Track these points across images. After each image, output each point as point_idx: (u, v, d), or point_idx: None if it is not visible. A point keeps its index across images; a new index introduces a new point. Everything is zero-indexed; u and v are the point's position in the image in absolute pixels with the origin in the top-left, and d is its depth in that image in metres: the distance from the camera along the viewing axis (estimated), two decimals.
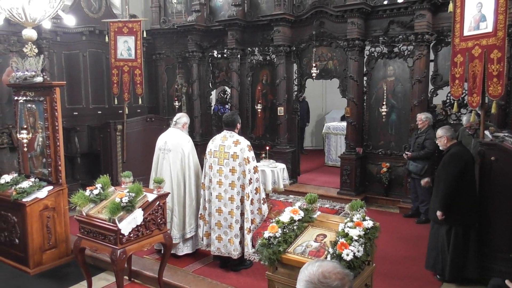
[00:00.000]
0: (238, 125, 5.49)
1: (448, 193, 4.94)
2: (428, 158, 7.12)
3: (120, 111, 9.17)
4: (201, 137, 10.60)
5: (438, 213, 5.01)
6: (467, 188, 4.99)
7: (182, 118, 5.98)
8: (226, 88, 11.14)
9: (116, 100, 8.85)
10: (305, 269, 1.93)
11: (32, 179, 5.90)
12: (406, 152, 7.41)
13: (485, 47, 5.04)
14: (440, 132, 5.29)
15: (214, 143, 5.39)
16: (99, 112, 9.69)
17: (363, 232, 3.53)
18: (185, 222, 5.73)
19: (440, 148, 5.40)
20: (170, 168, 5.71)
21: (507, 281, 3.29)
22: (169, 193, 5.19)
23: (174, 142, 5.76)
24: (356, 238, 3.45)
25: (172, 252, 5.62)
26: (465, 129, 6.68)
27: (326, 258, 3.41)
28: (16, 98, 6.14)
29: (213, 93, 11.68)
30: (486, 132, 5.55)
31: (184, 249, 5.84)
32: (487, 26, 5.07)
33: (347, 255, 3.30)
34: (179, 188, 5.71)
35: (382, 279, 5.15)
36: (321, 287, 1.84)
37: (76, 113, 9.30)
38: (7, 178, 6.05)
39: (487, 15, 5.07)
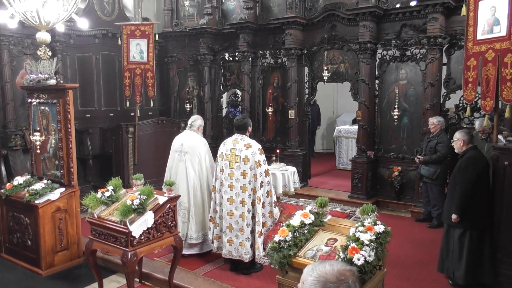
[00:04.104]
0: (249, 129, 5.50)
1: (465, 197, 4.90)
2: (440, 162, 7.07)
3: (132, 114, 9.22)
4: (212, 139, 10.61)
5: (454, 216, 4.96)
6: (483, 192, 4.96)
7: (197, 120, 6.10)
8: (237, 91, 11.16)
9: (128, 103, 8.90)
10: (314, 270, 1.94)
11: (45, 181, 5.94)
12: (418, 156, 7.36)
13: (498, 51, 5.00)
14: (457, 135, 5.23)
15: (226, 146, 5.40)
16: (111, 114, 9.76)
17: (374, 237, 3.51)
18: (204, 222, 5.85)
19: (456, 151, 5.35)
20: (186, 170, 5.83)
21: None
22: (179, 195, 5.21)
23: (190, 144, 5.88)
24: (367, 242, 3.43)
25: (191, 252, 5.86)
26: (478, 133, 6.62)
27: None
28: (29, 100, 6.20)
29: (224, 96, 11.70)
30: (500, 137, 5.50)
31: (204, 247, 5.98)
32: (501, 30, 5.03)
33: (358, 259, 3.29)
34: (195, 190, 5.82)
35: (394, 284, 5.12)
36: (340, 285, 1.88)
37: (89, 115, 9.37)
38: (20, 179, 6.10)
39: (501, 19, 5.03)
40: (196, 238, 5.86)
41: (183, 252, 5.75)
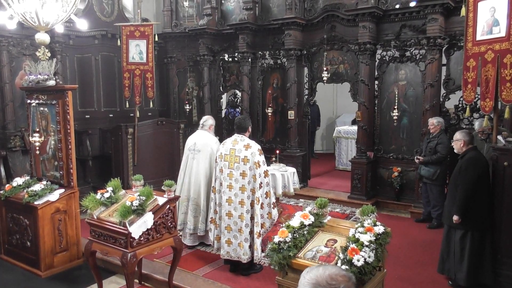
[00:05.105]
0: (249, 129, 5.51)
1: (466, 198, 4.90)
2: (440, 163, 7.06)
3: (131, 114, 9.22)
4: None
5: (455, 217, 4.96)
6: (483, 193, 4.95)
7: (208, 120, 6.45)
8: (237, 91, 11.15)
9: (127, 104, 8.88)
10: (309, 272, 1.94)
11: (44, 182, 5.93)
12: (418, 157, 7.35)
13: (498, 52, 5.00)
14: (458, 135, 5.23)
15: (225, 147, 5.39)
16: (111, 115, 9.76)
17: (374, 238, 3.51)
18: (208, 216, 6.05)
19: (455, 151, 5.35)
20: (199, 167, 6.12)
21: None
22: (179, 196, 5.22)
23: (202, 143, 6.18)
24: (367, 243, 3.43)
25: (202, 241, 6.28)
26: (478, 134, 6.62)
27: (336, 263, 3.40)
28: (28, 101, 6.19)
29: (224, 96, 11.70)
30: (499, 137, 5.49)
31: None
32: (500, 31, 5.03)
33: (358, 260, 3.29)
34: (207, 185, 6.06)
35: (393, 285, 5.12)
36: None
37: (88, 116, 9.37)
38: (19, 181, 6.09)
39: (500, 19, 5.03)
40: (204, 230, 6.11)
41: (192, 244, 6.22)
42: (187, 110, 10.51)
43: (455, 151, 5.38)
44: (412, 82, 8.16)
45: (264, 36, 9.91)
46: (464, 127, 7.64)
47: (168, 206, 4.82)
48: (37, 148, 5.52)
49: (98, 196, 4.82)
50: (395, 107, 7.99)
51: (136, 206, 4.49)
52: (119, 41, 8.66)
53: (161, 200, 4.78)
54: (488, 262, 4.94)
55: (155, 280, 5.38)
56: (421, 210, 7.65)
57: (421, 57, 7.97)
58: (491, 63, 5.08)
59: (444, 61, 7.86)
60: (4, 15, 5.18)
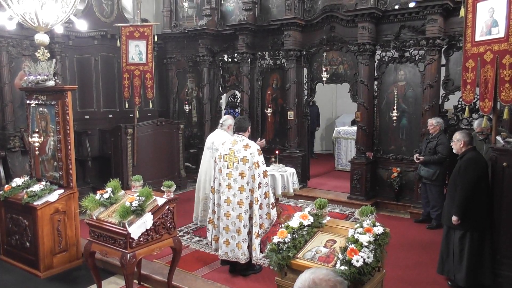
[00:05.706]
0: (249, 129, 5.52)
1: (465, 199, 4.89)
2: (440, 163, 7.06)
3: (131, 115, 9.23)
4: None
5: (454, 218, 4.96)
6: (482, 193, 4.95)
7: (227, 120, 6.57)
8: (236, 92, 11.15)
9: (127, 104, 8.87)
10: (300, 276, 1.95)
11: (43, 183, 5.93)
12: (418, 156, 7.32)
13: (497, 52, 5.00)
14: (458, 135, 5.22)
15: (224, 147, 5.39)
16: (110, 115, 9.75)
17: (373, 238, 3.51)
18: None
19: (454, 151, 5.35)
20: None
21: None
22: (178, 198, 5.21)
23: (220, 142, 6.01)
24: (366, 244, 3.43)
25: None
26: (476, 134, 6.63)
27: (335, 264, 3.40)
28: (28, 101, 6.19)
29: (223, 97, 11.70)
30: (498, 138, 5.50)
31: None
32: (499, 32, 5.03)
33: (357, 261, 3.28)
34: None
35: (393, 285, 5.12)
36: None
37: (88, 117, 9.36)
38: (18, 181, 6.09)
39: (499, 20, 5.03)
40: None
41: None
42: (187, 110, 10.50)
43: (454, 151, 5.38)
44: (412, 83, 8.17)
45: (264, 36, 9.91)
46: (463, 127, 7.64)
47: (167, 206, 4.82)
48: (37, 148, 5.51)
49: (98, 196, 4.82)
50: (395, 107, 7.98)
51: (136, 206, 4.49)
52: (118, 42, 8.65)
53: (160, 201, 4.78)
54: (487, 263, 4.94)
55: (155, 280, 5.39)
56: (420, 210, 7.65)
57: (420, 57, 7.98)
58: (490, 64, 5.08)
59: (443, 61, 7.86)
60: (4, 15, 5.18)
